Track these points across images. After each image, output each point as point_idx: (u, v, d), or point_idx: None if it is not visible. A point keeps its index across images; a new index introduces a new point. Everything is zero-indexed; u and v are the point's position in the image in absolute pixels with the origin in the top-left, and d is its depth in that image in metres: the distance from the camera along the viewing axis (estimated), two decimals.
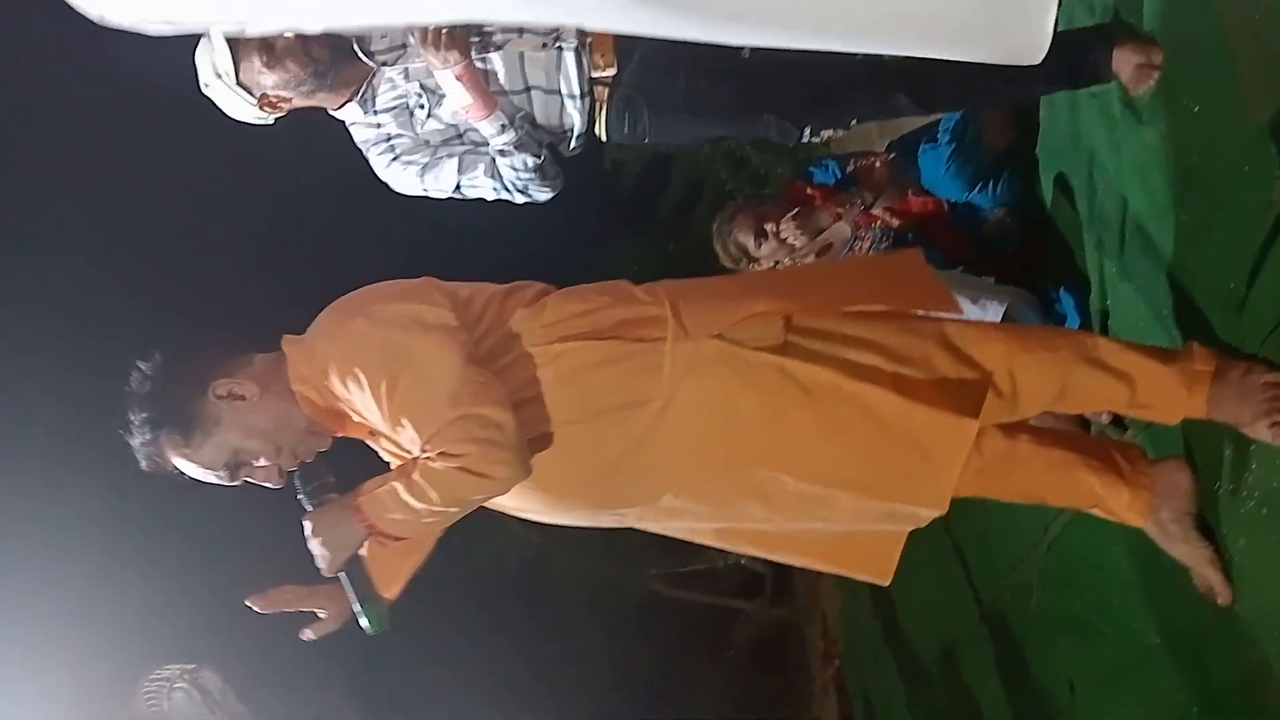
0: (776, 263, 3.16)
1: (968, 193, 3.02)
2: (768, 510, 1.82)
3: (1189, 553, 1.96)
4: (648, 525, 1.94)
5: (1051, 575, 3.04)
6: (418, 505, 1.62)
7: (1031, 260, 3.05)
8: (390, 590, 1.94)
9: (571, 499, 1.84)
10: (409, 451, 1.71)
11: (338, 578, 1.72)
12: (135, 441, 1.74)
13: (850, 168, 3.17)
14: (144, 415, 1.72)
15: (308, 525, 1.69)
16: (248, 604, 1.82)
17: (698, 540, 2.01)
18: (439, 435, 1.60)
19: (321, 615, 1.86)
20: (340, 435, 1.82)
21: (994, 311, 2.80)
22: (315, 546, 1.69)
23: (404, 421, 1.64)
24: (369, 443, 1.85)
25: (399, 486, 1.63)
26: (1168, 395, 1.82)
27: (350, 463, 1.85)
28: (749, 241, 3.13)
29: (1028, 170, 3.05)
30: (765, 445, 1.74)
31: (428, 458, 1.61)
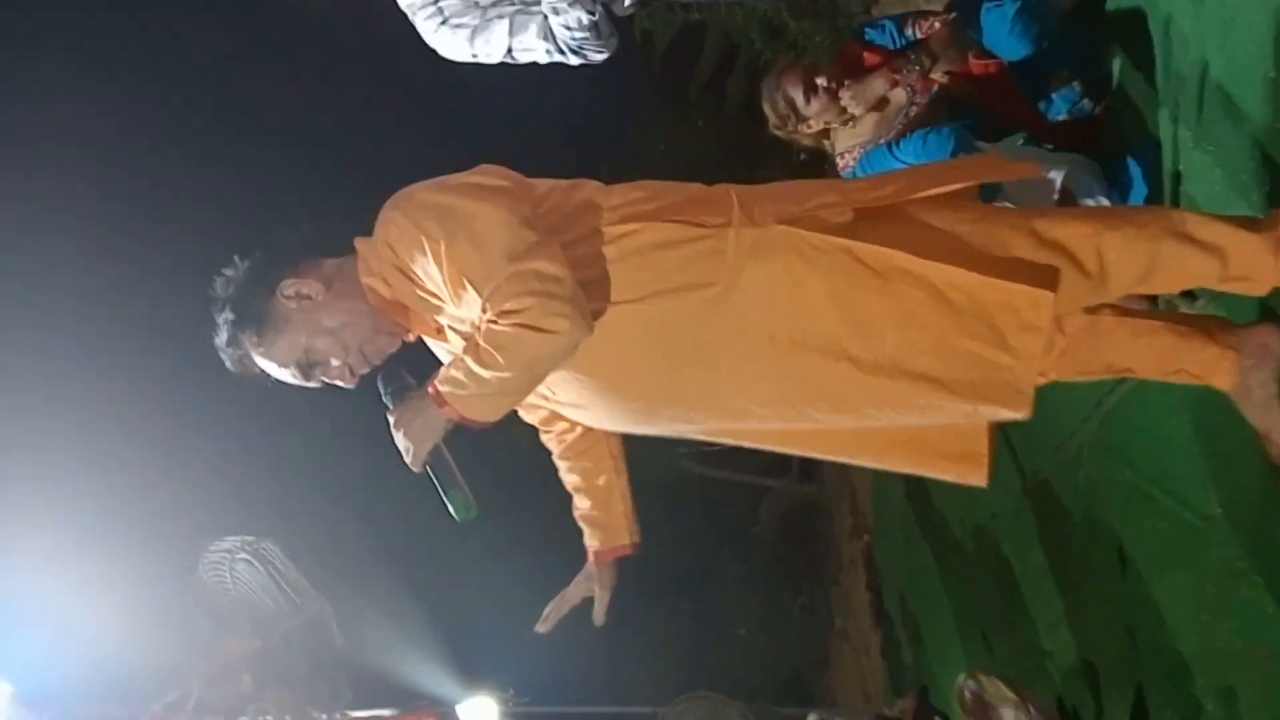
0: (826, 124, 3.06)
1: (1032, 53, 2.89)
2: (833, 409, 1.77)
3: (1268, 420, 1.93)
4: (711, 431, 1.90)
5: (1104, 446, 3.03)
6: (487, 374, 1.62)
7: (1097, 125, 2.94)
8: (631, 534, 2.08)
9: (627, 388, 1.80)
10: (475, 328, 1.70)
11: (426, 470, 1.74)
12: (218, 341, 1.81)
13: (908, 29, 3.03)
14: (223, 316, 1.80)
15: (391, 419, 1.72)
16: (539, 630, 2.08)
17: (766, 446, 1.97)
18: (497, 291, 1.61)
19: (598, 595, 2.08)
20: (409, 335, 1.84)
21: (1055, 176, 2.72)
22: (400, 439, 1.70)
23: (464, 283, 1.66)
24: (435, 345, 1.87)
25: (467, 359, 1.64)
26: (1259, 265, 1.78)
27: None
28: (797, 96, 3.01)
29: (1096, 30, 2.92)
30: (831, 332, 1.70)
31: (490, 320, 1.62)
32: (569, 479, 2.09)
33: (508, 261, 1.61)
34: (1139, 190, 2.72)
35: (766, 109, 3.12)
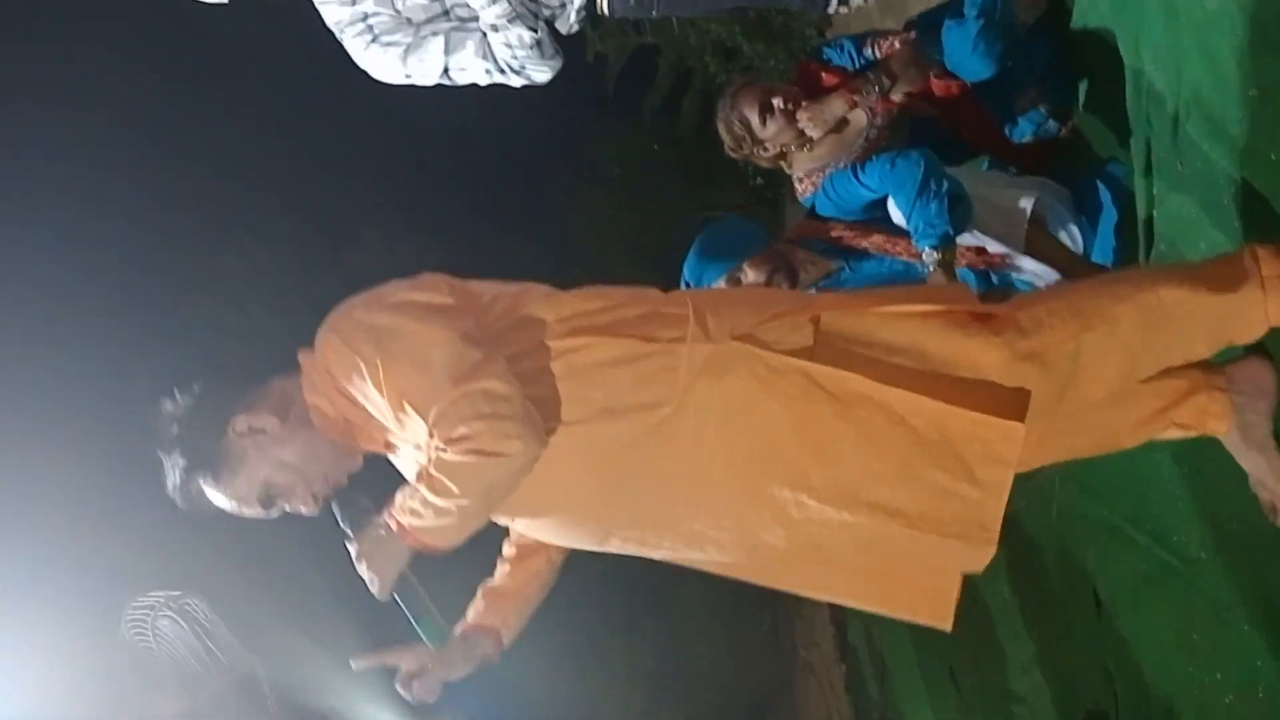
0: (783, 147, 2.92)
1: (995, 73, 2.78)
2: (790, 538, 1.66)
3: (1264, 464, 1.81)
4: (665, 553, 1.78)
5: (1077, 481, 2.90)
6: (442, 503, 1.53)
7: (1064, 147, 2.84)
8: (512, 630, 1.92)
9: (576, 512, 1.72)
10: (420, 450, 1.62)
11: (394, 599, 1.68)
12: (169, 484, 1.71)
13: (868, 49, 2.91)
14: (172, 460, 1.70)
15: (353, 551, 1.64)
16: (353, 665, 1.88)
17: (726, 574, 1.83)
18: (443, 417, 1.52)
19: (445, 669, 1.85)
20: (362, 451, 1.75)
21: (1025, 204, 2.61)
22: (363, 571, 1.63)
23: (406, 409, 1.57)
24: (389, 456, 1.77)
25: (421, 488, 1.55)
26: (1249, 322, 1.68)
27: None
28: (753, 117, 2.88)
29: (1062, 47, 2.81)
30: (786, 459, 1.60)
31: (438, 448, 1.53)
32: (508, 549, 1.96)
33: (452, 384, 1.51)
34: (1109, 215, 2.62)
35: (721, 131, 2.99)
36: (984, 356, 1.60)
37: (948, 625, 1.77)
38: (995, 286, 2.66)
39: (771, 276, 2.60)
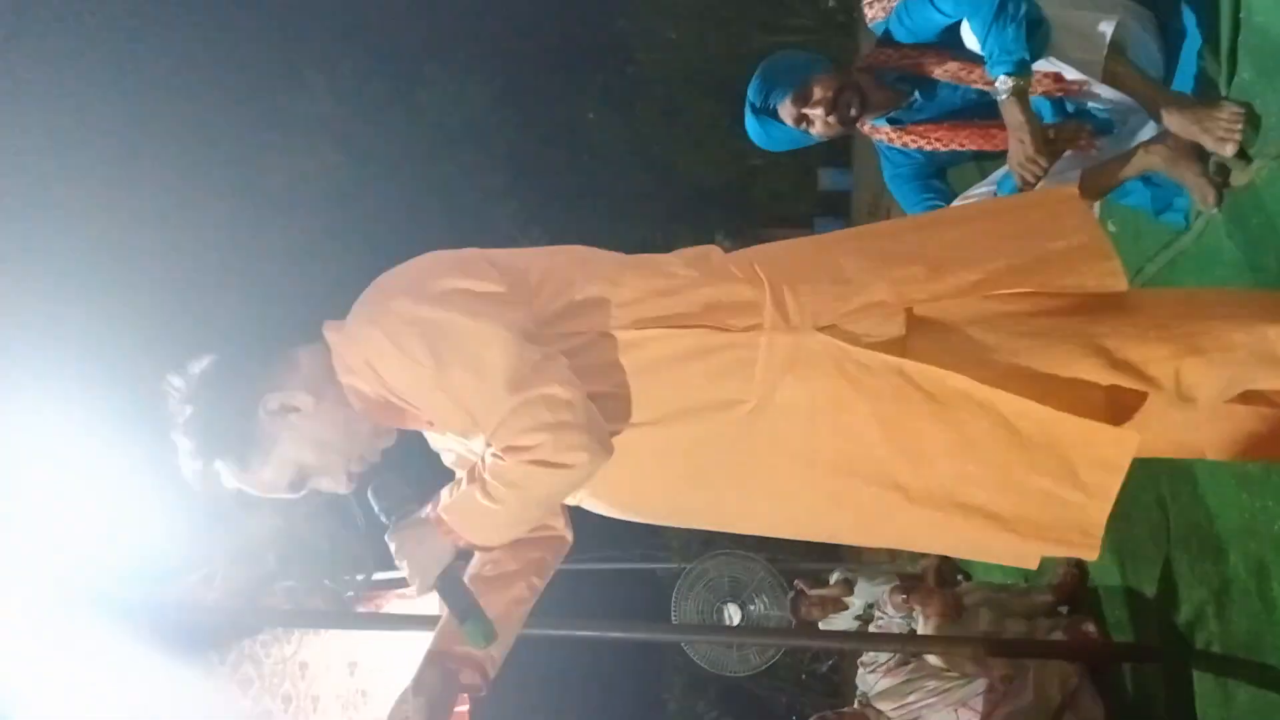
0: None
1: None
2: (872, 536, 1.65)
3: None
4: (738, 531, 1.77)
5: None
6: (495, 507, 1.45)
7: None
8: (494, 664, 1.68)
9: (644, 508, 1.66)
10: (473, 446, 1.57)
11: (436, 595, 1.57)
12: (186, 471, 1.56)
13: None
14: (190, 445, 1.54)
15: (393, 546, 1.53)
16: None
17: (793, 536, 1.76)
18: (503, 426, 1.42)
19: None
20: (401, 428, 1.63)
21: (1106, 28, 2.51)
22: (404, 567, 1.53)
23: (462, 412, 1.48)
24: (426, 434, 1.68)
25: (474, 491, 1.46)
26: None
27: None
28: None
29: None
30: (877, 459, 1.53)
31: (495, 455, 1.44)
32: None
33: (511, 391, 1.40)
34: (1192, 41, 2.50)
35: None
36: (1078, 361, 1.53)
37: (1034, 566, 1.70)
38: (1071, 115, 2.60)
39: (840, 94, 2.57)
